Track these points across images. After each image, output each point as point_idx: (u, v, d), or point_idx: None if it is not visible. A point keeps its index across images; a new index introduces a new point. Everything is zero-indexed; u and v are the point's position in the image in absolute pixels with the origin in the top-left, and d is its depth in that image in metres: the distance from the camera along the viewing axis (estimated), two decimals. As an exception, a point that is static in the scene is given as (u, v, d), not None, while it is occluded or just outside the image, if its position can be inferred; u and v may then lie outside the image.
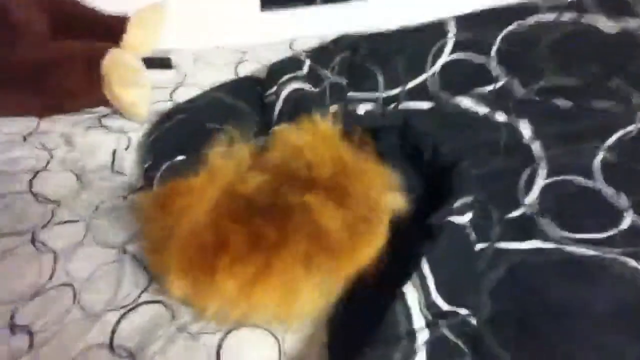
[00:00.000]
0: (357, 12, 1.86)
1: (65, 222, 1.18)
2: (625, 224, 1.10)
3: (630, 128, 1.29)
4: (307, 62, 1.48)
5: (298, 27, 1.81)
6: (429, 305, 0.90)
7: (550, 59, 1.50)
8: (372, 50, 1.54)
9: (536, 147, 1.27)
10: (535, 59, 1.51)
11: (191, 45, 1.74)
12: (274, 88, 1.40)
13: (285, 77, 1.41)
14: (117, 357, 0.94)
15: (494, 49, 1.53)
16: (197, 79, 1.59)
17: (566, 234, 1.10)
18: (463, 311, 0.93)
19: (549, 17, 1.61)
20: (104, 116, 1.46)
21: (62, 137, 1.40)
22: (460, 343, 0.90)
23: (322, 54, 1.54)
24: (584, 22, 1.54)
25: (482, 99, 1.42)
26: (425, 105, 1.45)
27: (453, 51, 1.54)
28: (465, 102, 1.41)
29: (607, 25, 1.52)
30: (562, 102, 1.39)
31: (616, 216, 1.12)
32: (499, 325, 0.94)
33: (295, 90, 1.37)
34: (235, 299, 0.91)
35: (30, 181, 1.27)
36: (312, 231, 0.94)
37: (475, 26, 1.59)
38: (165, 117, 1.41)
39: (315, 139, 1.08)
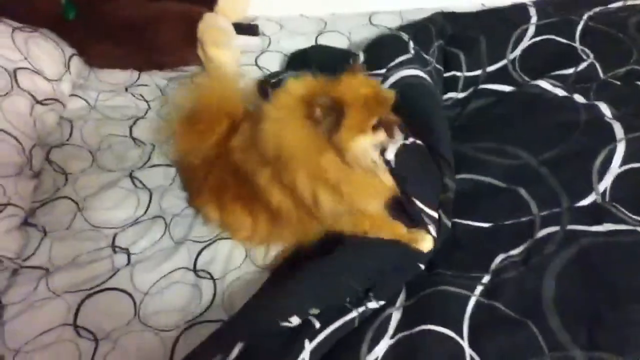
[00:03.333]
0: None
1: (159, 165, 1.35)
2: None
3: None
4: (411, 45, 1.49)
5: (377, 1, 1.89)
6: None
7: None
8: (457, 32, 1.60)
9: (617, 127, 1.27)
10: (622, 41, 1.51)
11: (275, 13, 1.86)
12: (382, 70, 1.41)
13: (396, 60, 1.43)
14: (200, 278, 1.12)
15: (578, 30, 1.54)
16: (280, 46, 1.71)
17: (637, 217, 1.11)
18: None
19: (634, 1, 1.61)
20: (196, 74, 1.61)
21: (159, 89, 1.56)
22: None
23: (422, 36, 1.55)
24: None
25: (561, 82, 1.43)
26: (506, 88, 1.50)
27: (535, 35, 1.55)
28: (544, 84, 1.43)
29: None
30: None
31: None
32: (564, 307, 0.98)
33: (410, 77, 1.36)
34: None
35: (130, 127, 1.44)
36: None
37: (557, 10, 1.60)
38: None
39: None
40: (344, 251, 1.07)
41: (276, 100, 1.04)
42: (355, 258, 1.06)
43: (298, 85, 1.05)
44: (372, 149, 1.03)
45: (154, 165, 1.34)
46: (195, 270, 1.13)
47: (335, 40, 1.74)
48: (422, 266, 1.11)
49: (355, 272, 1.04)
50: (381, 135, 1.04)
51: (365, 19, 1.82)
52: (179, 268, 1.13)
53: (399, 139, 1.07)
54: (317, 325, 0.98)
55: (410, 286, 1.08)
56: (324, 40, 1.75)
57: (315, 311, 1.00)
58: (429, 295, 1.03)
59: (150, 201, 1.26)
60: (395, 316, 1.01)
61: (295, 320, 0.98)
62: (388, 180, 1.10)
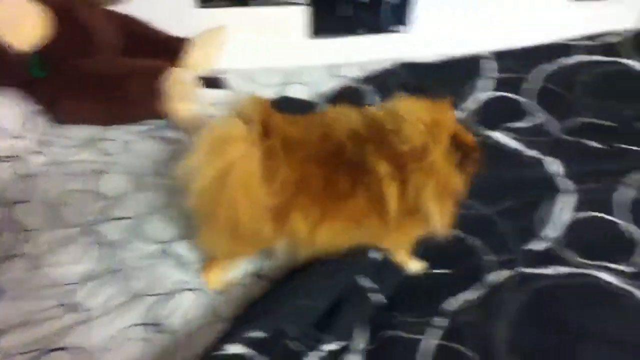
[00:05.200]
0: (397, 42, 1.98)
1: (121, 218, 1.34)
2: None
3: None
4: (370, 95, 1.57)
5: (341, 54, 1.94)
6: None
7: (587, 98, 1.58)
8: (418, 82, 1.67)
9: (565, 182, 1.35)
10: (572, 99, 1.59)
11: (243, 66, 1.90)
12: None
13: None
14: (159, 333, 1.10)
15: (532, 89, 1.62)
16: (246, 98, 1.73)
17: (588, 261, 1.17)
18: None
19: (586, 58, 1.69)
20: (161, 127, 1.62)
21: (123, 144, 1.57)
22: None
23: (384, 86, 1.64)
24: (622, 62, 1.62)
25: (517, 134, 1.49)
26: None
27: (492, 88, 1.62)
28: (499, 137, 1.49)
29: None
30: (593, 143, 1.47)
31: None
32: (518, 349, 0.99)
33: None
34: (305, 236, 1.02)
35: (95, 181, 1.44)
36: (375, 198, 1.01)
37: (511, 63, 1.67)
38: None
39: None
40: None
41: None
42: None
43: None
44: None
45: (114, 219, 1.33)
46: (153, 324, 1.11)
47: (301, 91, 1.78)
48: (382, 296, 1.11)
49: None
50: None
51: (328, 71, 1.87)
52: (137, 323, 1.10)
53: None
54: None
55: (374, 329, 1.08)
56: (289, 92, 1.78)
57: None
58: (386, 339, 1.03)
59: (109, 255, 1.24)
60: (356, 360, 1.00)
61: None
62: None
